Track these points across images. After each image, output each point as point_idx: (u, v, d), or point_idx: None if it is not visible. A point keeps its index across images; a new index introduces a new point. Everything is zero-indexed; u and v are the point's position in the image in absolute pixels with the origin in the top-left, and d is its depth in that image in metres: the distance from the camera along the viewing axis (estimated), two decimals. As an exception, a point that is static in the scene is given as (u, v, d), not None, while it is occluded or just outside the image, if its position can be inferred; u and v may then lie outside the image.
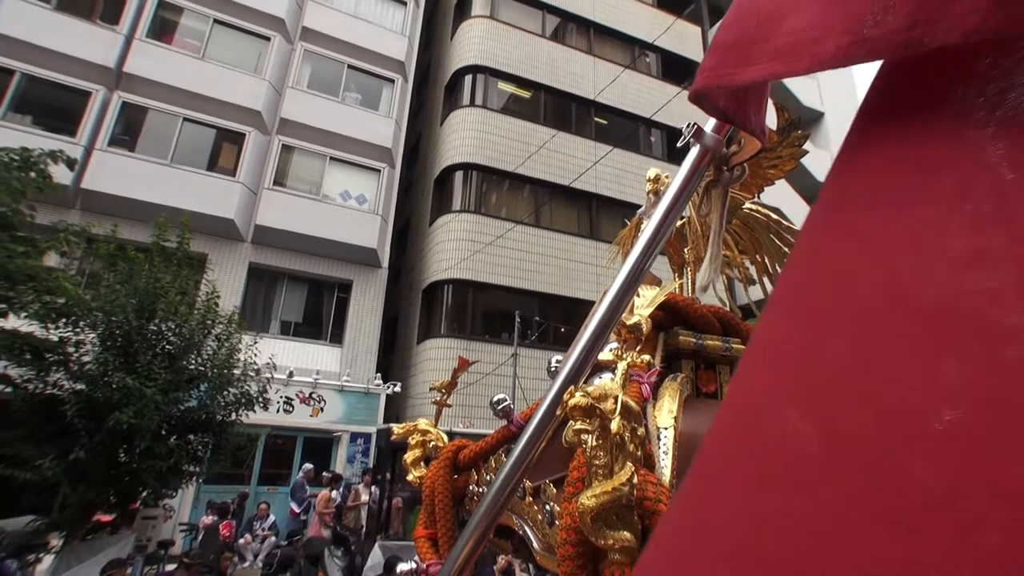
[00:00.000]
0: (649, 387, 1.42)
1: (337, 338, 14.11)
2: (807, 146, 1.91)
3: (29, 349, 7.01)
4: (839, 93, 23.78)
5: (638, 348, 1.26)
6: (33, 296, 6.51)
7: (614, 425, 0.87)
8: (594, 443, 0.88)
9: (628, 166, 16.91)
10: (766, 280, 2.34)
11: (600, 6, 18.98)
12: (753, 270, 2.35)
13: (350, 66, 15.45)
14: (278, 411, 12.04)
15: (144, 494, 7.88)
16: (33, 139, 8.81)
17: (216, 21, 14.00)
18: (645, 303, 1.42)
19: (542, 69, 17.21)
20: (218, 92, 13.29)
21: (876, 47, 0.40)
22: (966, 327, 0.34)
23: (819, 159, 21.58)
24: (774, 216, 2.17)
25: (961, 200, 0.38)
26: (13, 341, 6.81)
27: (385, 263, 14.92)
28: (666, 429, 1.39)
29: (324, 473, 11.02)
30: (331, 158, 14.52)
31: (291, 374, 12.34)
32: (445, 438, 2.24)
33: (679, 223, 2.12)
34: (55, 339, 7.16)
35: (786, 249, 2.26)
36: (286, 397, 12.42)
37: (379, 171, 14.96)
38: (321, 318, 14.36)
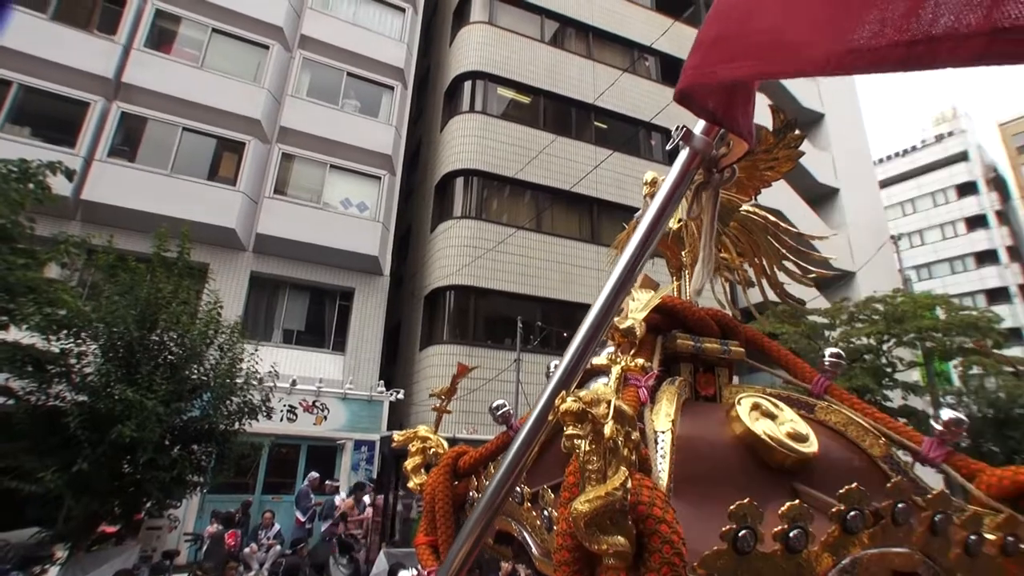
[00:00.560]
0: (647, 391, 1.42)
1: (339, 346, 14.11)
2: (806, 147, 1.90)
3: (31, 361, 7.01)
4: (839, 95, 23.80)
5: (633, 352, 1.25)
6: (34, 308, 6.51)
7: (607, 430, 0.86)
8: (587, 448, 0.87)
9: (628, 170, 16.93)
10: (764, 283, 2.33)
11: (598, 10, 19.05)
12: (752, 272, 2.34)
13: (349, 73, 15.51)
14: (281, 420, 12.03)
15: (148, 505, 7.84)
16: (32, 150, 8.82)
17: (214, 30, 14.06)
18: (640, 307, 1.42)
19: (541, 74, 17.26)
20: (217, 101, 13.34)
21: (873, 59, 0.40)
22: None
23: (820, 160, 21.60)
24: (771, 218, 2.16)
25: None
26: (15, 353, 6.81)
27: (387, 270, 14.93)
28: (663, 433, 1.38)
29: (327, 481, 10.98)
30: (331, 166, 14.56)
31: (294, 383, 12.34)
32: (445, 444, 2.23)
33: (676, 226, 2.12)
34: (56, 351, 7.15)
35: (784, 251, 2.25)
36: (289, 406, 12.41)
37: (379, 178, 14.99)
38: (323, 326, 14.36)
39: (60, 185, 7.95)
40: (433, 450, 2.21)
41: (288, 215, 13.57)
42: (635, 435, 0.93)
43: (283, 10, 14.76)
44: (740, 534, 0.93)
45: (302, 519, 10.15)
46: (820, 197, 22.21)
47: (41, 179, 6.82)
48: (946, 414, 1.54)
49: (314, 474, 11.03)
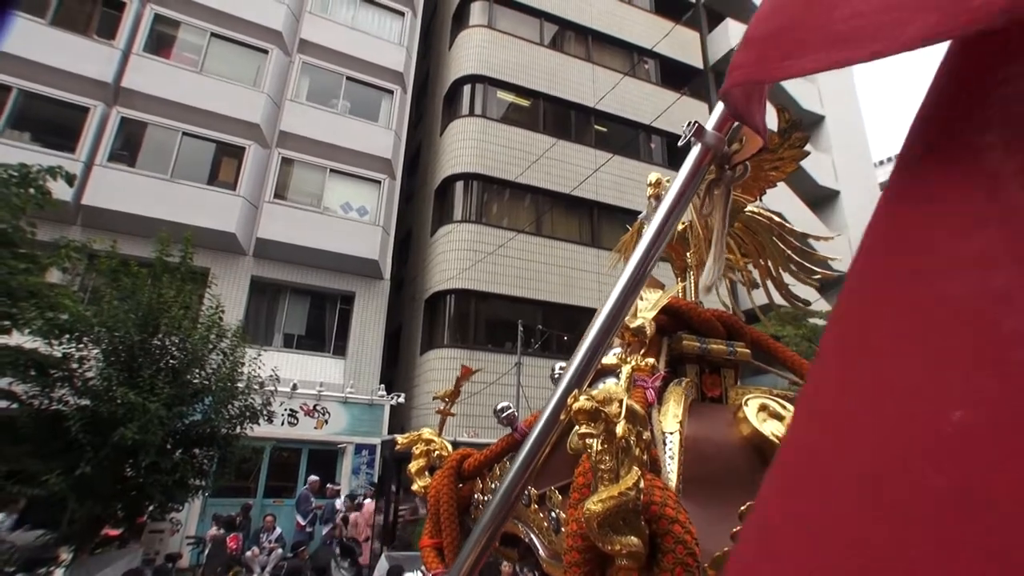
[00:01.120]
0: (654, 392, 1.41)
1: (340, 350, 14.11)
2: (807, 148, 1.90)
3: (33, 365, 7.04)
4: (839, 96, 23.83)
5: (642, 352, 1.25)
6: (36, 313, 6.54)
7: (619, 429, 0.86)
8: (599, 447, 0.87)
9: (629, 173, 16.94)
10: (769, 284, 2.32)
11: (598, 13, 19.10)
12: (756, 274, 2.34)
13: (348, 78, 15.55)
14: (282, 424, 12.02)
15: (150, 508, 7.88)
16: (32, 155, 8.84)
17: (213, 35, 14.09)
18: (648, 306, 1.41)
19: (541, 77, 17.30)
20: (217, 106, 13.36)
21: (976, 17, 0.37)
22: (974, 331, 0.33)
23: (820, 162, 21.61)
24: (777, 219, 2.16)
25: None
26: (17, 357, 6.83)
27: (387, 274, 14.93)
28: (672, 434, 1.37)
29: (329, 485, 10.96)
30: (331, 170, 14.58)
31: (295, 387, 12.33)
32: (449, 447, 2.22)
33: (681, 227, 2.12)
34: (59, 355, 7.18)
35: (789, 252, 2.25)
36: (290, 410, 12.39)
37: (379, 182, 15.01)
38: (324, 330, 14.35)
39: (60, 190, 7.94)
40: (437, 453, 2.21)
41: (288, 219, 13.58)
42: (646, 435, 0.92)
43: (282, 14, 14.80)
44: (750, 535, 0.93)
45: (303, 523, 10.13)
46: (820, 199, 22.21)
47: (41, 184, 6.84)
48: None
49: (314, 478, 11.02)
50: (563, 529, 1.24)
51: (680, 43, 19.47)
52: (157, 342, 7.77)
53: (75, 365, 7.30)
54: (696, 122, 0.78)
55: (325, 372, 13.41)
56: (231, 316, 10.49)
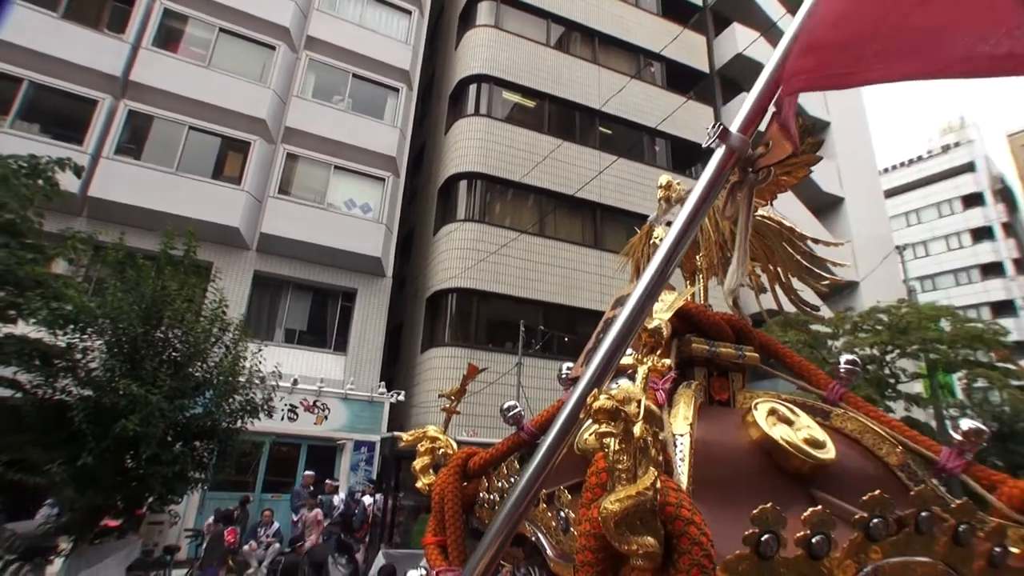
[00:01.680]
0: (664, 394, 1.41)
1: (341, 346, 14.11)
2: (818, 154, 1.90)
3: (38, 355, 7.03)
4: (845, 103, 23.80)
5: (659, 352, 1.25)
6: (41, 303, 6.53)
7: (637, 429, 0.86)
8: (617, 447, 0.87)
9: (633, 176, 16.94)
10: (778, 289, 2.32)
11: (605, 15, 19.09)
12: (764, 278, 2.34)
13: (355, 75, 15.56)
14: (282, 419, 12.03)
15: (150, 500, 7.86)
16: (40, 147, 8.86)
17: (221, 30, 14.12)
18: (664, 307, 1.42)
19: (547, 78, 17.30)
20: (223, 101, 13.40)
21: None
22: None
23: (825, 169, 21.58)
24: (787, 224, 2.16)
25: None
26: (23, 347, 6.81)
27: (389, 272, 14.94)
28: (682, 436, 1.37)
29: (327, 481, 10.95)
30: (336, 167, 14.59)
31: (295, 382, 12.33)
32: (455, 445, 2.23)
33: (690, 230, 2.11)
34: (63, 345, 7.17)
35: (798, 257, 2.25)
36: (290, 405, 12.40)
37: (384, 180, 15.02)
38: (325, 326, 14.36)
39: (68, 181, 7.97)
40: (442, 450, 2.21)
41: (292, 215, 13.59)
42: (662, 435, 0.92)
43: (290, 11, 14.83)
44: (763, 539, 0.93)
45: (295, 518, 10.10)
46: (825, 206, 22.18)
47: (50, 175, 6.85)
48: (965, 424, 1.53)
49: (308, 473, 11.00)
50: (572, 529, 1.24)
51: (686, 47, 19.46)
52: (160, 334, 7.75)
53: (79, 356, 7.29)
54: (721, 124, 0.78)
55: (326, 368, 13.42)
56: (233, 310, 10.47)
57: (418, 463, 2.21)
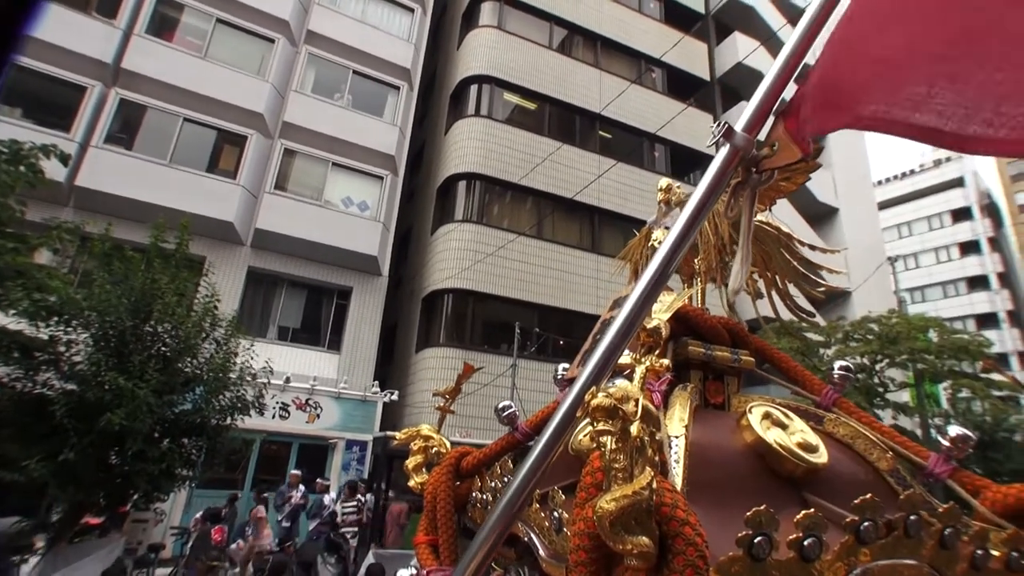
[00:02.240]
0: (660, 395, 1.41)
1: (335, 345, 14.05)
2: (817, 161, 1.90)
3: (17, 347, 6.80)
4: (840, 113, 23.92)
5: (656, 353, 1.25)
6: (22, 293, 6.34)
7: (634, 428, 0.86)
8: (614, 446, 0.86)
9: (631, 181, 16.98)
10: (774, 295, 2.33)
11: (608, 20, 19.16)
12: (761, 284, 2.34)
13: (355, 72, 15.50)
14: (273, 417, 11.95)
15: (135, 497, 7.67)
16: (23, 132, 8.55)
17: (219, 20, 13.97)
18: (663, 308, 1.42)
19: (548, 81, 17.32)
20: (220, 93, 13.26)
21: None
22: None
23: (822, 179, 21.73)
24: (784, 230, 2.17)
25: None
26: (0, 339, 6.61)
27: (385, 271, 14.89)
28: (677, 438, 1.37)
29: (318, 480, 10.87)
30: (334, 164, 14.53)
31: (288, 380, 12.25)
32: (448, 444, 2.22)
33: (689, 233, 2.12)
34: (45, 338, 6.96)
35: (795, 264, 2.25)
36: (282, 403, 12.33)
37: (382, 178, 14.98)
38: (320, 324, 14.30)
39: (53, 169, 7.70)
40: (436, 449, 2.20)
41: (288, 211, 13.52)
42: (659, 435, 0.92)
43: (290, 4, 14.75)
44: (756, 541, 0.93)
45: (279, 517, 9.98)
46: (820, 216, 22.33)
47: (33, 162, 6.59)
48: (953, 430, 1.55)
49: (295, 472, 10.87)
50: (566, 529, 1.24)
51: (688, 54, 19.56)
52: (149, 328, 7.58)
53: (62, 349, 7.08)
54: (726, 123, 0.78)
55: (319, 366, 13.36)
56: (226, 306, 10.39)
57: (411, 462, 2.20)
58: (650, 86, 19.35)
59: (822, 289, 2.27)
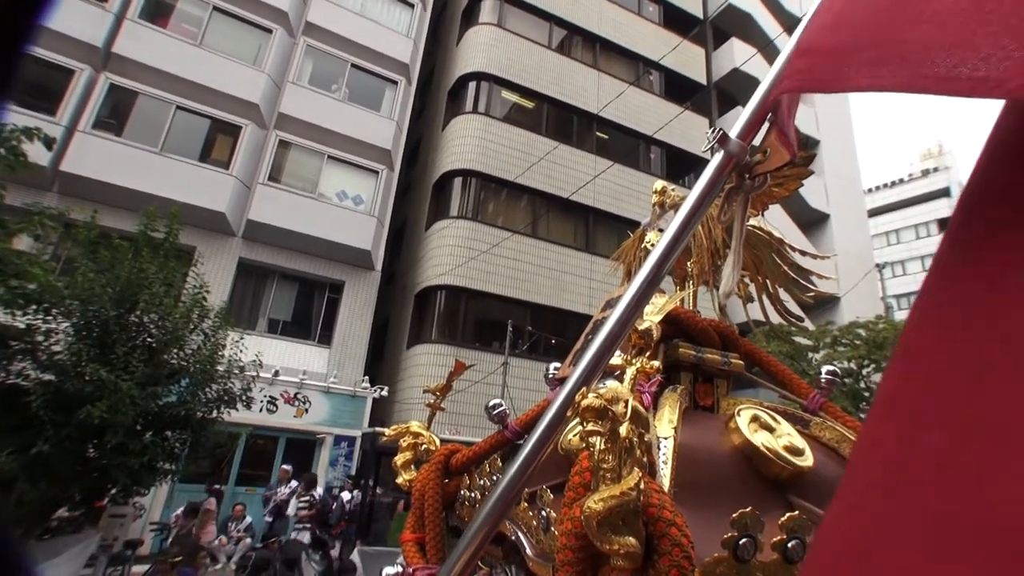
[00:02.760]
0: (649, 396, 1.42)
1: (326, 339, 13.98)
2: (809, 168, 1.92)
3: None
4: (835, 122, 24.17)
5: (647, 354, 1.25)
6: None
7: (623, 429, 0.86)
8: (603, 446, 0.87)
9: (627, 182, 17.03)
10: (765, 299, 2.35)
11: (607, 21, 19.19)
12: (752, 288, 2.36)
13: (353, 65, 15.41)
14: (261, 410, 11.87)
15: (113, 491, 7.47)
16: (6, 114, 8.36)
17: (216, 8, 13.80)
18: (655, 309, 1.42)
19: (547, 80, 17.33)
20: (215, 82, 13.10)
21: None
22: None
23: (814, 186, 21.89)
24: (776, 236, 2.19)
25: None
26: None
27: (379, 266, 14.84)
28: (666, 439, 1.38)
29: (305, 475, 10.80)
30: (329, 156, 14.45)
31: (276, 373, 12.18)
32: (437, 441, 2.21)
33: (682, 236, 2.13)
34: (22, 326, 6.76)
35: (786, 269, 2.27)
36: (270, 396, 12.25)
37: (377, 172, 14.92)
38: (310, 318, 14.22)
39: (37, 153, 7.45)
40: (425, 446, 2.19)
41: (281, 203, 13.42)
42: (648, 437, 0.93)
43: (289, -5, 14.61)
44: (741, 542, 0.94)
45: (263, 513, 9.89)
46: (811, 222, 22.51)
47: (15, 144, 6.35)
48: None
49: (285, 467, 10.80)
50: (553, 528, 1.24)
51: (686, 58, 19.63)
52: (135, 319, 7.43)
53: (40, 338, 6.89)
54: (721, 129, 0.78)
55: (309, 360, 13.29)
56: (215, 297, 10.28)
57: (399, 459, 2.19)
58: (648, 89, 19.41)
59: (812, 294, 2.29)
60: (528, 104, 17.34)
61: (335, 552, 8.64)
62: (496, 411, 1.93)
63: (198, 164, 12.71)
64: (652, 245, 1.94)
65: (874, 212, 42.10)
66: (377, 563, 5.78)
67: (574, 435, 1.44)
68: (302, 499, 9.37)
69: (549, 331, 14.99)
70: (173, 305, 7.86)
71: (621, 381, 1.12)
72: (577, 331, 2.14)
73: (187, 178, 12.25)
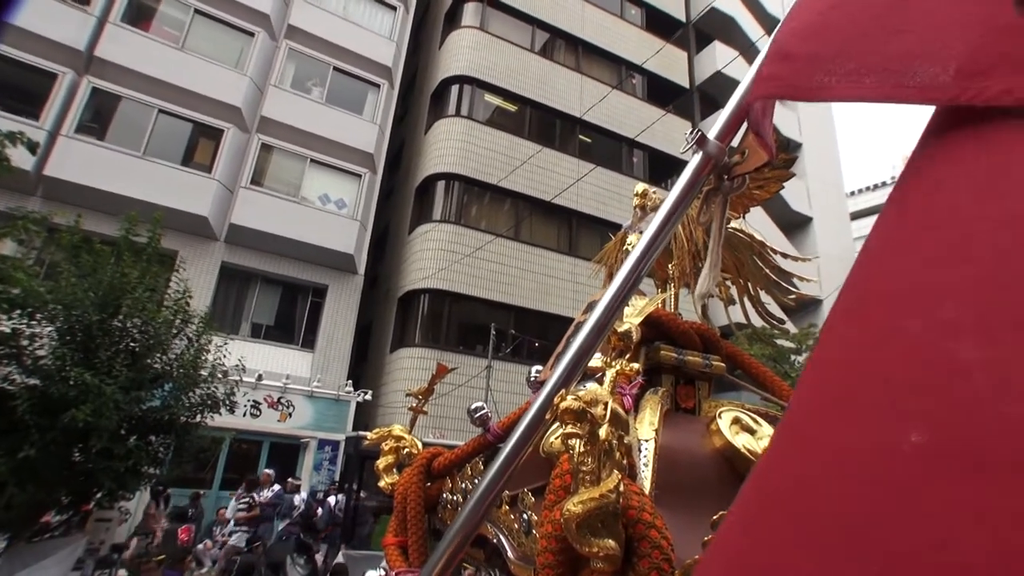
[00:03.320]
0: (631, 399, 1.42)
1: (309, 343, 13.85)
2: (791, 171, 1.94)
3: None
4: (817, 125, 24.54)
5: (627, 356, 1.26)
6: None
7: (603, 431, 0.86)
8: (582, 449, 0.87)
9: (610, 185, 17.12)
10: (747, 301, 2.37)
11: (589, 25, 19.30)
12: (734, 291, 2.38)
13: (335, 68, 15.33)
14: (244, 415, 11.72)
15: (99, 495, 7.46)
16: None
17: (197, 11, 13.69)
18: (635, 312, 1.43)
19: (529, 83, 17.37)
20: (196, 85, 12.98)
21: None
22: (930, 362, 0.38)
23: (796, 189, 22.20)
24: (758, 238, 2.21)
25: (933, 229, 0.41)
26: None
27: (362, 269, 14.74)
28: (647, 441, 1.38)
29: (289, 479, 10.68)
30: (312, 160, 14.34)
31: (260, 377, 12.04)
32: (420, 445, 2.20)
33: (664, 238, 2.14)
34: (7, 331, 6.72)
35: (767, 271, 2.29)
36: (254, 401, 12.10)
37: (360, 176, 14.83)
38: (293, 322, 14.08)
39: (20, 158, 7.43)
40: (407, 450, 2.18)
41: (264, 207, 13.30)
42: (628, 439, 0.93)
43: (271, -2, 14.51)
44: (722, 544, 0.94)
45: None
46: (794, 225, 22.80)
47: None
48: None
49: (268, 471, 10.67)
50: (535, 531, 1.24)
51: (668, 61, 19.81)
52: (117, 323, 7.39)
53: (25, 342, 6.84)
54: (700, 130, 0.79)
55: (292, 364, 13.15)
56: (198, 302, 10.16)
57: (381, 462, 2.18)
58: (630, 92, 19.55)
59: (793, 297, 2.31)
60: (511, 107, 17.37)
61: (320, 556, 8.56)
62: (478, 414, 1.93)
63: (180, 168, 12.56)
64: (633, 248, 1.95)
65: (857, 215, 42.72)
66: (361, 567, 5.73)
67: (556, 438, 1.44)
68: (241, 500, 9.29)
69: (533, 334, 14.99)
70: (156, 310, 7.81)
71: (602, 383, 1.12)
72: (560, 334, 2.14)
73: (169, 182, 12.11)
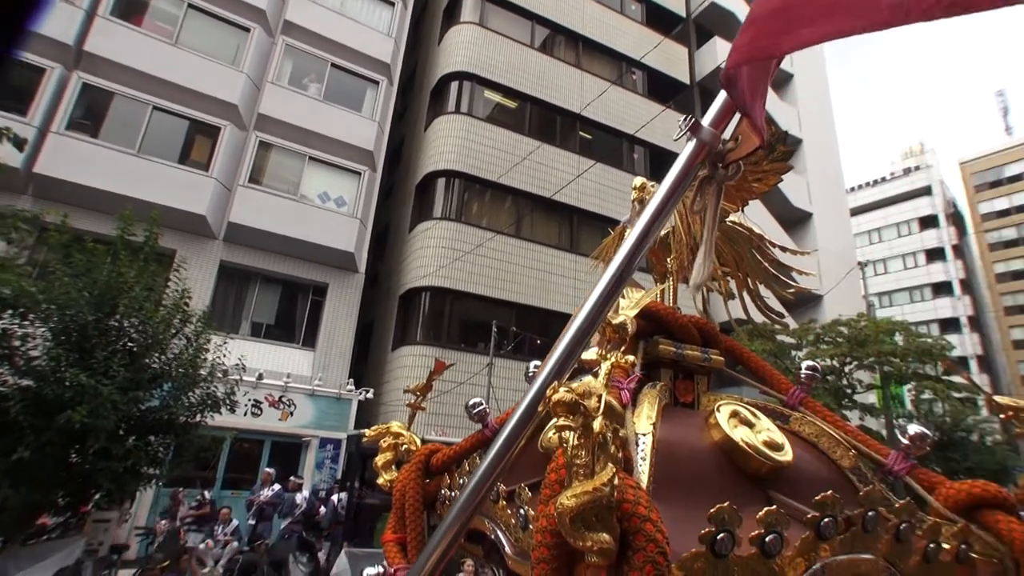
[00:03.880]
0: (628, 393, 1.41)
1: (310, 342, 13.84)
2: (789, 163, 1.93)
3: None
4: (817, 122, 24.48)
5: (622, 349, 1.24)
6: None
7: (597, 424, 0.85)
8: (576, 442, 0.85)
9: (610, 181, 17.09)
10: (745, 295, 2.36)
11: (589, 20, 19.23)
12: (733, 284, 2.37)
13: (333, 65, 15.23)
14: (245, 414, 11.72)
15: (97, 496, 7.40)
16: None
17: (191, 6, 13.51)
18: (631, 304, 1.41)
19: (529, 80, 17.32)
20: (191, 82, 12.85)
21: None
22: None
23: (796, 185, 22.16)
24: (756, 232, 2.19)
25: None
26: None
27: (362, 267, 14.72)
28: (644, 435, 1.37)
29: (292, 478, 10.68)
30: (310, 158, 14.29)
31: (260, 376, 12.03)
32: (418, 441, 2.19)
33: (663, 232, 2.13)
34: None
35: (767, 265, 2.28)
36: (254, 400, 12.10)
37: (360, 174, 14.79)
38: (294, 321, 14.07)
39: (8, 155, 7.37)
40: (405, 447, 2.17)
41: (263, 205, 13.26)
42: (623, 432, 0.92)
43: (267, -6, 14.39)
44: (718, 537, 0.93)
45: (247, 516, 9.78)
46: (794, 220, 22.77)
47: None
48: (912, 429, 1.59)
49: (268, 470, 10.68)
50: (531, 526, 1.23)
51: (668, 57, 19.75)
52: (114, 323, 7.31)
53: (17, 343, 6.76)
54: (692, 117, 0.77)
55: (293, 363, 13.15)
56: (197, 301, 10.11)
57: (380, 459, 2.16)
58: (630, 88, 19.50)
59: (792, 291, 2.30)
60: (511, 104, 17.33)
61: (323, 554, 8.57)
62: (476, 410, 1.91)
63: (177, 166, 12.49)
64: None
65: (856, 211, 42.76)
66: (364, 564, 5.72)
67: (553, 433, 1.43)
68: (194, 499, 9.32)
69: (534, 331, 14.99)
70: (154, 309, 7.75)
71: (598, 377, 1.11)
72: (561, 331, 2.13)
73: (166, 180, 12.04)
